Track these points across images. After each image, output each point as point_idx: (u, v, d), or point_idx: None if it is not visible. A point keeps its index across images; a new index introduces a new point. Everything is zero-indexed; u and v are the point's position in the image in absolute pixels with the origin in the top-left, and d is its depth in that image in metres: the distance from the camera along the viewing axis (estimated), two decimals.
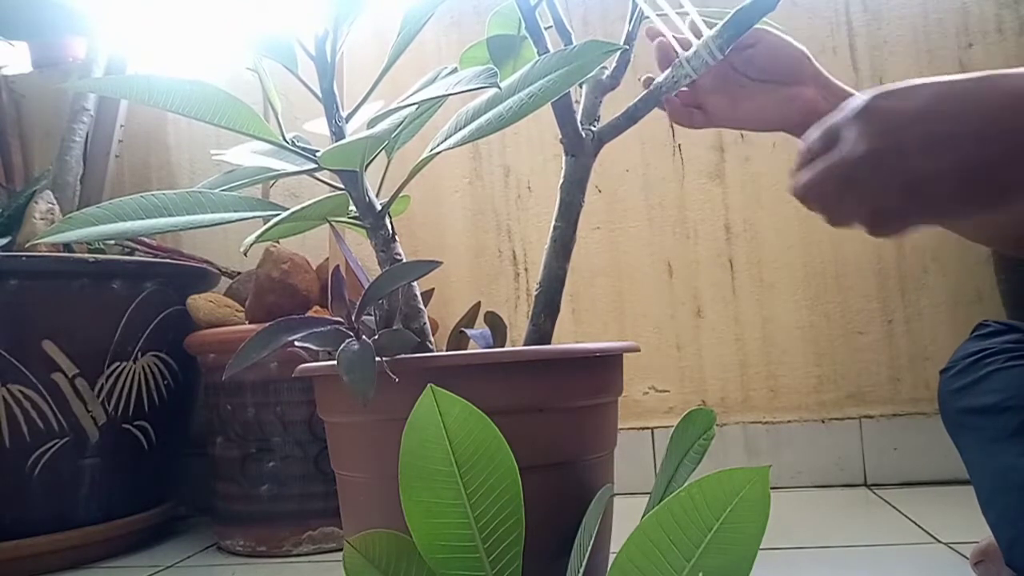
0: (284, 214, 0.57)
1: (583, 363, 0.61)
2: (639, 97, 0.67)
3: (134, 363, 1.18)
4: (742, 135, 1.35)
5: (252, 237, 0.56)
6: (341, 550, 0.70)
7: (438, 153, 0.58)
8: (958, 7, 1.31)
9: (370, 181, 0.62)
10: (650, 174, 1.39)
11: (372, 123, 0.61)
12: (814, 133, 0.47)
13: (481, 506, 0.49)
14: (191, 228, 0.57)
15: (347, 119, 0.63)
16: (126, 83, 0.60)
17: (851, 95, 0.72)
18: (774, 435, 1.32)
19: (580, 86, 0.70)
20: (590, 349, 0.61)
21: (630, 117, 0.67)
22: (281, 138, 0.61)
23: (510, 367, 0.57)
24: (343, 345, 0.54)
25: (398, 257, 0.62)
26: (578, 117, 0.67)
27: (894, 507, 1.13)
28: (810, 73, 0.71)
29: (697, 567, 0.46)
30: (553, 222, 0.68)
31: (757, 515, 0.46)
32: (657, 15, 0.70)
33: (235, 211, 0.59)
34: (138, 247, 1.31)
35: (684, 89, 0.70)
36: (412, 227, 1.43)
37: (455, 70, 0.68)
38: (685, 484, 0.49)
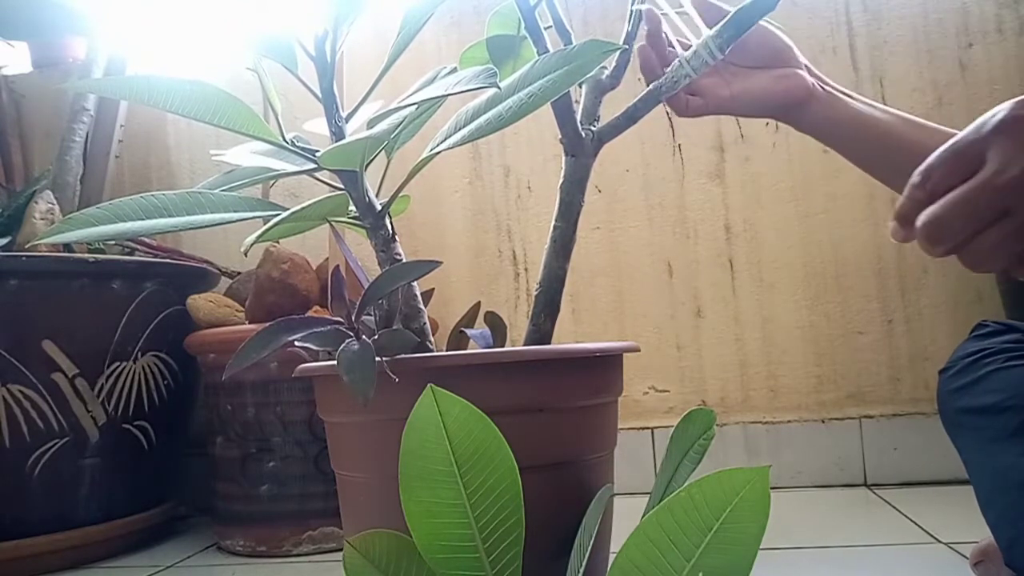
0: (284, 214, 0.57)
1: (583, 363, 0.60)
2: (639, 97, 0.67)
3: (134, 363, 1.18)
4: (742, 135, 1.35)
5: (252, 237, 0.56)
6: (341, 550, 0.70)
7: (438, 153, 0.58)
8: (958, 7, 1.31)
9: (370, 181, 0.62)
10: (650, 174, 1.39)
11: (372, 123, 0.61)
12: (936, 159, 0.40)
13: (481, 506, 0.49)
14: (191, 228, 0.57)
15: (347, 119, 0.63)
16: (126, 83, 0.60)
17: (839, 88, 0.73)
18: (774, 435, 1.32)
19: (580, 86, 0.70)
20: (590, 349, 0.61)
21: (630, 117, 0.67)
22: (281, 138, 0.61)
23: (510, 367, 0.57)
24: (343, 345, 0.54)
25: (398, 257, 0.62)
26: (578, 117, 0.67)
27: (894, 507, 1.13)
28: (800, 61, 0.73)
29: (697, 567, 0.46)
30: (553, 222, 0.68)
31: (757, 515, 0.46)
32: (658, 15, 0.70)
33: (235, 211, 0.59)
34: (138, 247, 1.31)
35: None
36: (412, 227, 1.43)
37: (455, 70, 0.68)
38: (685, 484, 0.49)
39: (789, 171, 1.34)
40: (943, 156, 0.39)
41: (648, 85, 0.69)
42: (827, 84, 0.73)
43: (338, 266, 0.61)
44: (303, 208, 0.58)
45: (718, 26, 0.64)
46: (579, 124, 0.67)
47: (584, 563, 0.52)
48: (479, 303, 0.79)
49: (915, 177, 0.40)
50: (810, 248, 1.34)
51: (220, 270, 1.36)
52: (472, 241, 1.44)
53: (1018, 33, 1.30)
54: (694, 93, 0.72)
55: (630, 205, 1.39)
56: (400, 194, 0.64)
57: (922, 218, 0.39)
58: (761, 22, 0.70)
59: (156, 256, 1.30)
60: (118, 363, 1.16)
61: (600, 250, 1.40)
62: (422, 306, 0.64)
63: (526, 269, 1.42)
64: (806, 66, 0.73)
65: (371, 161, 0.61)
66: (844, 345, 1.32)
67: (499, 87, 0.53)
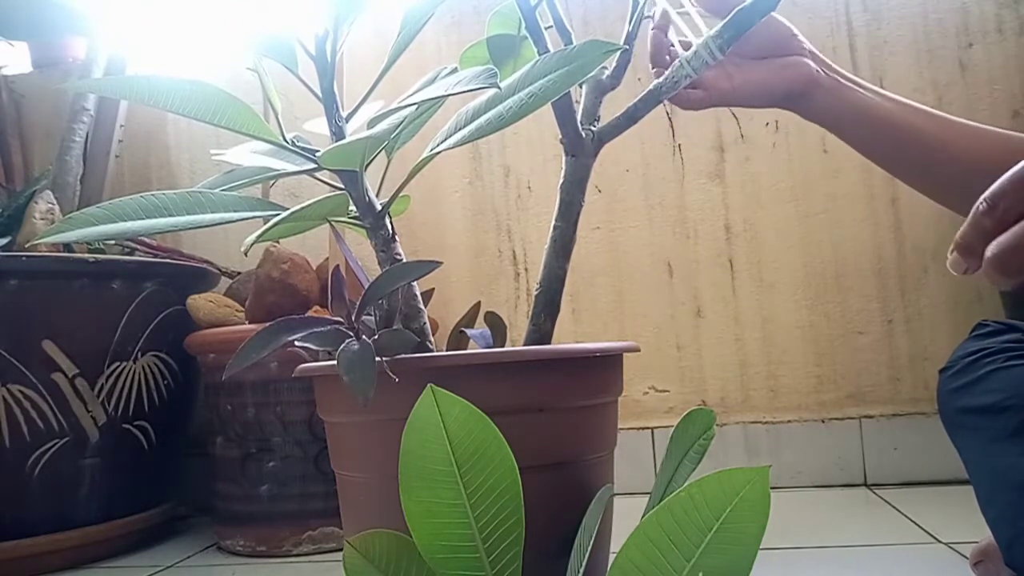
0: (284, 214, 0.57)
1: (583, 363, 0.60)
2: (639, 97, 0.67)
3: (134, 363, 1.18)
4: (742, 135, 1.35)
5: (252, 237, 0.56)
6: (341, 550, 0.70)
7: (438, 153, 0.58)
8: (958, 7, 1.31)
9: (370, 181, 0.62)
10: (650, 174, 1.39)
11: (372, 123, 0.61)
12: (1004, 183, 0.36)
13: (481, 506, 0.49)
14: (191, 228, 0.57)
15: (347, 119, 0.63)
16: (126, 83, 0.60)
17: (846, 76, 0.72)
18: (774, 435, 1.32)
19: (580, 86, 0.70)
20: (590, 349, 0.61)
21: (630, 117, 0.67)
22: (281, 138, 0.61)
23: (510, 367, 0.57)
24: (343, 345, 0.54)
25: (398, 257, 0.62)
26: (578, 117, 0.67)
27: (894, 507, 1.13)
28: (803, 48, 0.72)
29: (697, 567, 0.46)
30: (553, 222, 0.68)
31: (757, 515, 0.46)
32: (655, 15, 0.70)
33: (235, 211, 0.59)
34: (138, 247, 1.31)
35: None
36: (412, 227, 1.43)
37: (455, 70, 0.68)
38: (685, 484, 0.49)
39: (789, 171, 1.34)
40: (1013, 180, 0.36)
41: (653, 71, 0.69)
42: (833, 71, 0.73)
43: (338, 266, 0.61)
44: (303, 208, 0.58)
45: (718, 26, 0.64)
46: (579, 124, 0.67)
47: (584, 563, 0.52)
48: (479, 303, 0.79)
49: (981, 204, 0.36)
50: (810, 248, 1.34)
51: (220, 270, 1.36)
52: (472, 241, 1.44)
53: (1018, 33, 1.30)
54: (695, 86, 0.72)
55: (630, 205, 1.39)
56: (400, 194, 0.64)
57: (992, 248, 0.35)
58: None
59: (156, 256, 1.30)
60: (118, 363, 1.16)
61: (600, 250, 1.40)
62: (422, 306, 0.64)
63: (526, 269, 1.42)
64: (811, 52, 0.72)
65: (371, 161, 0.61)
66: (844, 345, 1.32)
67: (499, 87, 0.53)
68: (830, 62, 0.73)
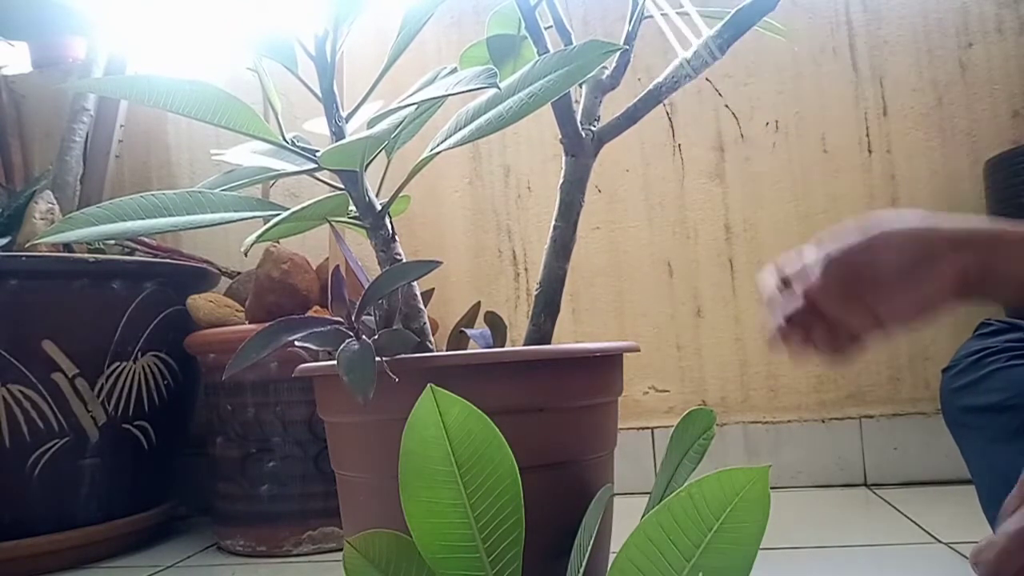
0: (284, 214, 0.57)
1: (583, 363, 0.60)
2: (639, 97, 0.67)
3: (134, 363, 1.18)
4: (742, 135, 1.35)
5: (252, 237, 0.56)
6: (341, 550, 0.70)
7: (438, 153, 0.58)
8: (958, 7, 1.31)
9: (370, 181, 0.62)
10: (650, 174, 1.39)
11: (372, 123, 0.61)
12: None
13: (481, 506, 0.49)
14: (191, 228, 0.57)
15: (347, 119, 0.63)
16: (126, 83, 0.60)
17: (995, 230, 0.53)
18: (774, 435, 1.32)
19: (580, 86, 0.70)
20: (590, 349, 0.61)
21: (630, 117, 0.67)
22: (281, 138, 0.61)
23: (510, 367, 0.57)
24: (343, 345, 0.54)
25: (398, 257, 0.62)
26: (578, 117, 0.67)
27: (894, 507, 1.13)
28: (945, 245, 0.53)
29: (697, 567, 0.46)
30: (553, 222, 0.68)
31: (757, 515, 0.46)
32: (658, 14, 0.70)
33: (235, 211, 0.59)
34: (138, 247, 1.31)
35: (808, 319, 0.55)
36: (412, 227, 1.43)
37: (455, 70, 0.68)
38: (685, 484, 0.49)
39: (789, 171, 1.34)
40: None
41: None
42: (977, 239, 0.53)
43: (338, 266, 0.61)
44: (303, 208, 0.58)
45: (718, 26, 0.64)
46: (579, 124, 0.67)
47: (584, 563, 0.52)
48: (479, 303, 0.79)
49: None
50: None
51: (220, 270, 1.36)
52: (472, 241, 1.44)
53: (1018, 33, 1.30)
54: (850, 340, 0.56)
55: (630, 205, 1.39)
56: (400, 194, 0.64)
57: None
58: (886, 230, 0.54)
59: (156, 256, 1.30)
60: (118, 363, 1.16)
61: (600, 250, 1.40)
62: (422, 306, 0.64)
63: (526, 269, 1.42)
64: (952, 240, 0.53)
65: (371, 161, 0.61)
66: None
67: (499, 87, 0.53)
68: (974, 225, 0.54)
